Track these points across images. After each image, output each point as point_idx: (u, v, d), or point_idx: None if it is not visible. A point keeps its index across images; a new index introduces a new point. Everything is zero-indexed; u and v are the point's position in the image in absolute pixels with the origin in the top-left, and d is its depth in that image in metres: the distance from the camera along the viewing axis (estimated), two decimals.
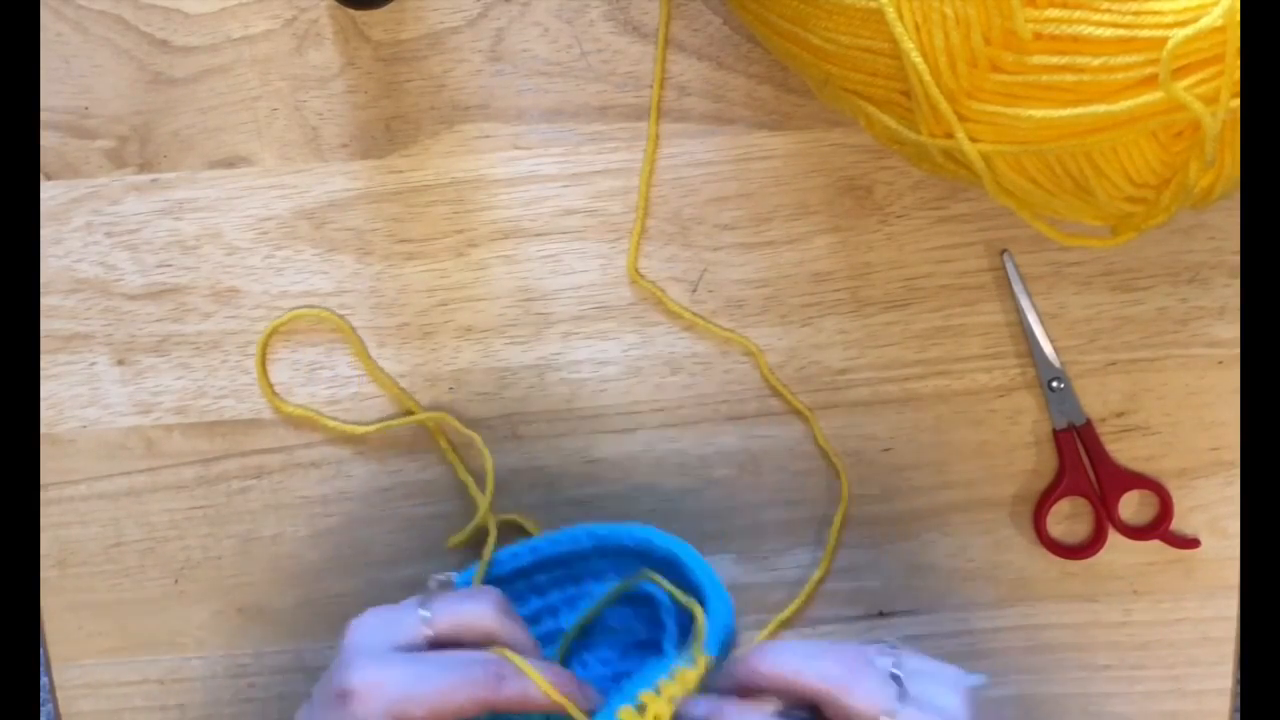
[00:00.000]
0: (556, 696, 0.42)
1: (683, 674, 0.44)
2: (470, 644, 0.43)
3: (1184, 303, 0.57)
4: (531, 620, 0.54)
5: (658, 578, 0.49)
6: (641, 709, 0.42)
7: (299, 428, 0.57)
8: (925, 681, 0.43)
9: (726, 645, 0.47)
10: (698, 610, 0.47)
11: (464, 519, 0.58)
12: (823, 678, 0.41)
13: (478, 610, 0.42)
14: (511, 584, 0.53)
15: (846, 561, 0.60)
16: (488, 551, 0.50)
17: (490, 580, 0.52)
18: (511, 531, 0.57)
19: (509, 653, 0.41)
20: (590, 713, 0.42)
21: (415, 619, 0.42)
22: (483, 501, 0.55)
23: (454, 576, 0.49)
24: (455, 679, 0.40)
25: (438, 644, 0.43)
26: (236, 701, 0.60)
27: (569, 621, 0.54)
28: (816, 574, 0.59)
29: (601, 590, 0.54)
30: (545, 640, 0.54)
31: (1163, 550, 0.59)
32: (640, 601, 0.53)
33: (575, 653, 0.54)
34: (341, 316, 0.56)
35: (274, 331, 0.56)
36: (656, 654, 0.49)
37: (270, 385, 0.57)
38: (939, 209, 0.56)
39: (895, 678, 0.42)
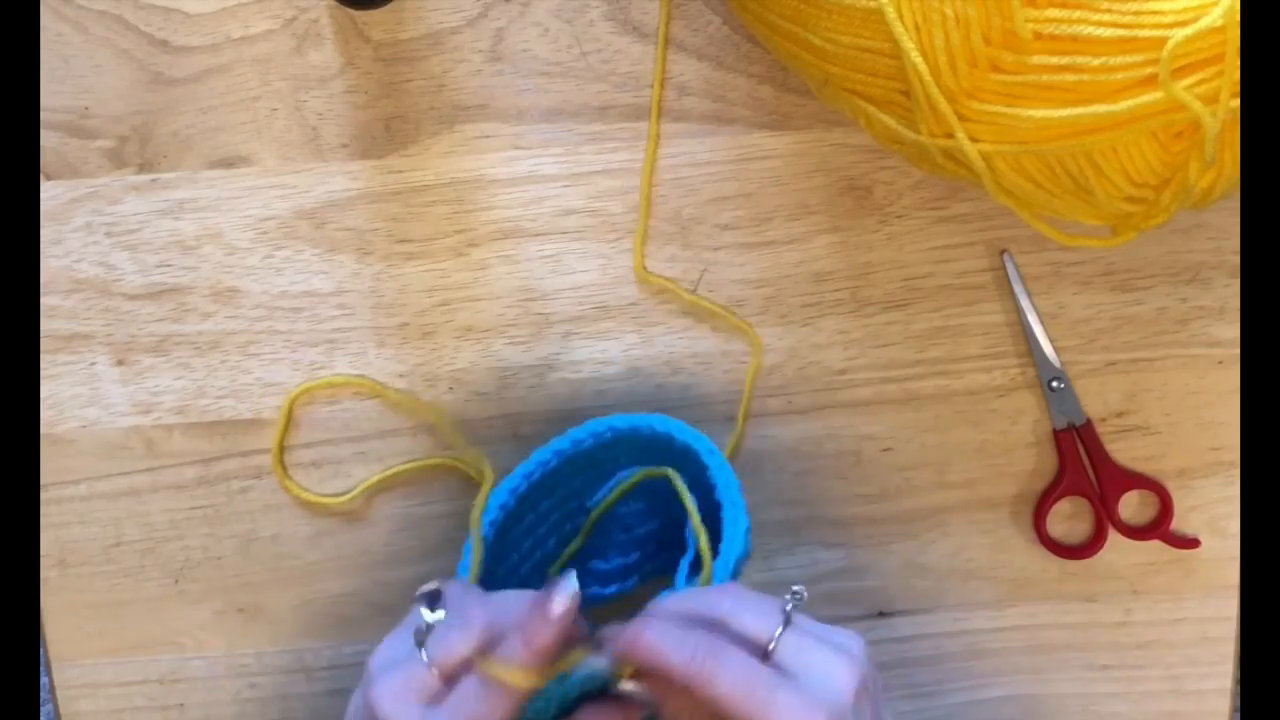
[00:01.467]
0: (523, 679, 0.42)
1: None
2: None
3: (1184, 303, 0.57)
4: (559, 504, 0.55)
5: (682, 490, 0.50)
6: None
7: (299, 427, 0.57)
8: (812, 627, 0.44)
9: (740, 564, 0.48)
10: (706, 552, 0.47)
11: (464, 519, 0.58)
12: (688, 658, 0.41)
13: (466, 643, 0.43)
14: (541, 484, 0.54)
15: (846, 561, 0.60)
16: (475, 565, 0.50)
17: (525, 484, 0.53)
18: None
19: (496, 670, 0.42)
20: (568, 672, 0.43)
21: (424, 673, 0.43)
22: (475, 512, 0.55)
23: (439, 586, 0.48)
24: (480, 709, 0.42)
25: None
26: (236, 701, 0.60)
27: (591, 501, 0.56)
28: (732, 436, 0.58)
29: (624, 476, 0.55)
30: (566, 523, 0.56)
31: (1163, 550, 0.59)
32: (657, 494, 0.54)
33: (593, 540, 0.56)
34: (378, 382, 0.57)
35: (301, 394, 0.57)
36: (666, 549, 0.53)
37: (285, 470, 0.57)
38: (939, 209, 0.56)
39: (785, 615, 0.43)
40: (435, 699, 0.42)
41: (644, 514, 0.57)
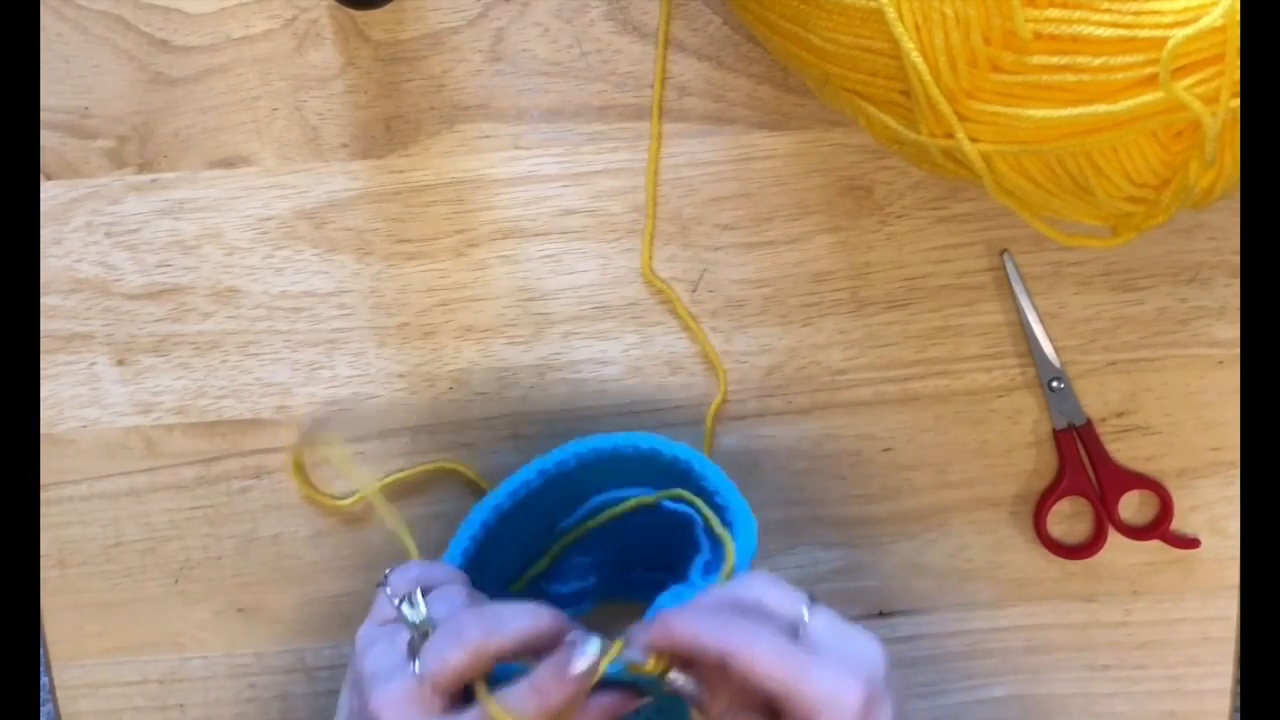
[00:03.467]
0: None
1: None
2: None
3: (1184, 303, 0.57)
4: (530, 524, 0.54)
5: (697, 502, 0.50)
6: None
7: (299, 427, 0.57)
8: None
9: (751, 564, 0.48)
10: (729, 543, 0.48)
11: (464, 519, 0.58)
12: (724, 638, 0.42)
13: (460, 659, 0.43)
14: (524, 502, 0.53)
15: (846, 561, 0.60)
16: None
17: (506, 505, 0.53)
18: None
19: (500, 714, 0.42)
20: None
21: (415, 685, 0.42)
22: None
23: (408, 573, 0.48)
24: None
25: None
26: (236, 701, 0.60)
27: (564, 523, 0.55)
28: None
29: (600, 500, 0.55)
30: (535, 543, 0.55)
31: (1163, 550, 0.59)
32: (642, 510, 0.54)
33: (567, 556, 0.56)
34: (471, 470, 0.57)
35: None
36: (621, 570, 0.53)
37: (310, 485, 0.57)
38: (939, 209, 0.56)
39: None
40: (435, 711, 0.42)
41: (603, 536, 0.56)
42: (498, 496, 0.53)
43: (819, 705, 0.40)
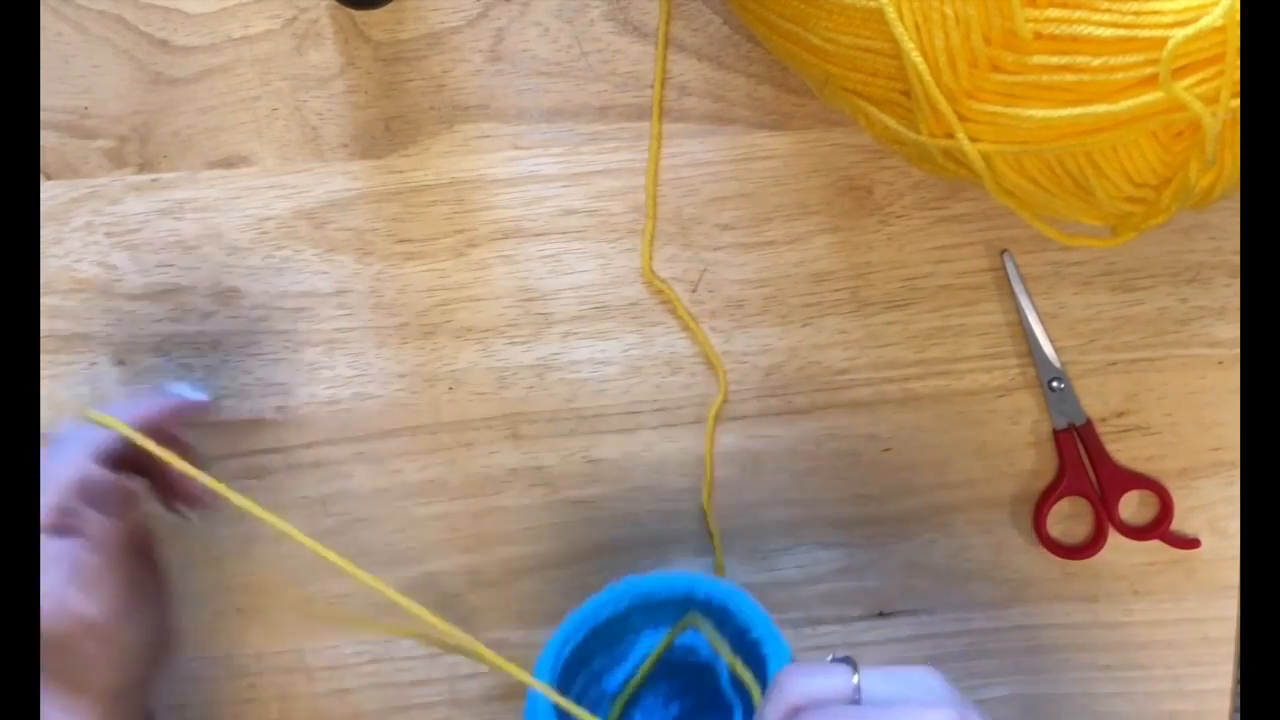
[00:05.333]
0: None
1: None
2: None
3: (1184, 303, 0.57)
4: (582, 690, 0.54)
5: (722, 647, 0.50)
6: None
7: (299, 427, 0.57)
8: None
9: None
10: (755, 692, 0.47)
11: (464, 519, 0.58)
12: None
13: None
14: (568, 665, 0.52)
15: (846, 561, 0.60)
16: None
17: (553, 660, 0.51)
18: None
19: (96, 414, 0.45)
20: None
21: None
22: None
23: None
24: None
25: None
26: (236, 701, 0.60)
27: (613, 684, 0.54)
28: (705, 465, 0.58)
29: (642, 647, 0.54)
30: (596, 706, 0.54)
31: (1163, 550, 0.59)
32: (676, 650, 0.53)
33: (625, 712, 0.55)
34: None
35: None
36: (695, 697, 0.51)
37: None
38: (939, 209, 0.56)
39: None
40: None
41: (673, 691, 0.55)
42: (549, 655, 0.51)
43: None
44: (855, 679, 0.42)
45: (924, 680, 0.42)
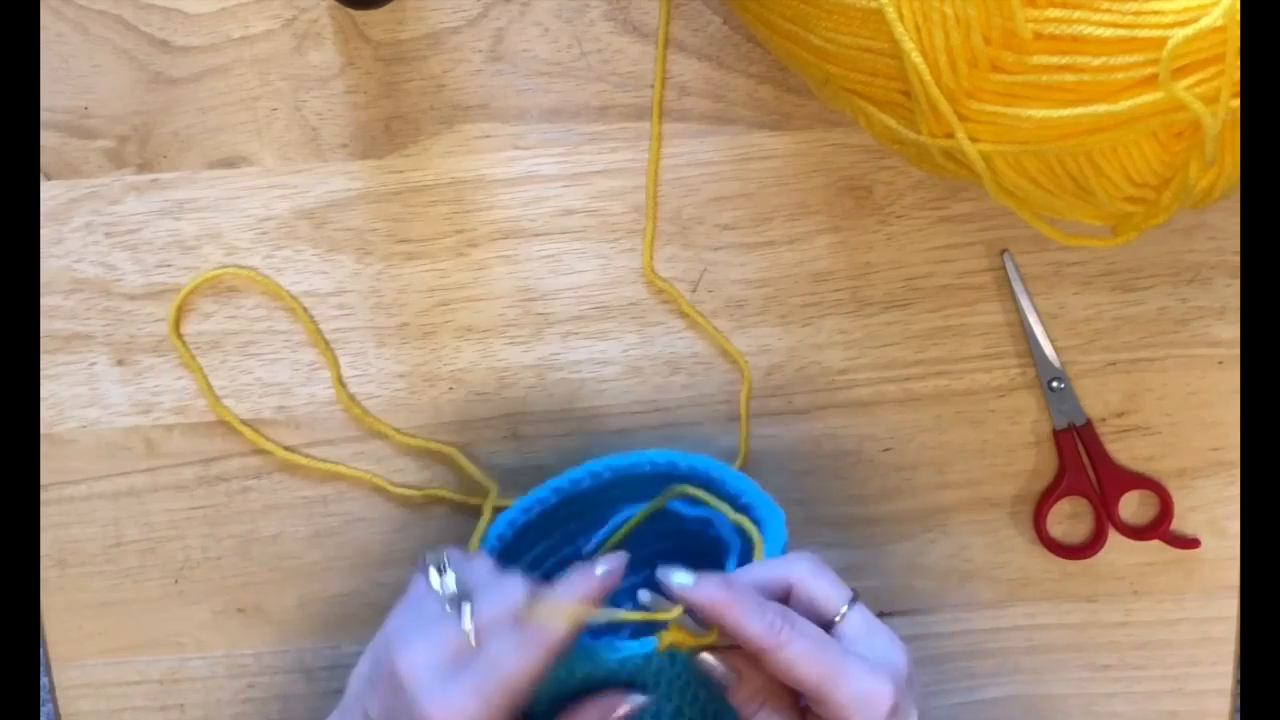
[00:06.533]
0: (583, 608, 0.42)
1: None
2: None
3: (1184, 303, 0.57)
4: (553, 549, 0.54)
5: (707, 497, 0.50)
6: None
7: (299, 427, 0.57)
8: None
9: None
10: (756, 537, 0.47)
11: (464, 519, 0.58)
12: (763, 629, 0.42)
13: (505, 603, 0.42)
14: (536, 525, 0.53)
15: (846, 561, 0.60)
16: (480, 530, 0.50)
17: (522, 517, 0.53)
18: None
19: (542, 610, 0.42)
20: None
21: (454, 636, 0.42)
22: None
23: (448, 555, 0.48)
24: (514, 663, 0.41)
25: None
26: (236, 701, 0.60)
27: (589, 547, 0.55)
28: (738, 461, 0.58)
29: (620, 520, 0.54)
30: (560, 571, 0.53)
31: (1163, 550, 0.59)
32: (661, 520, 0.53)
33: None
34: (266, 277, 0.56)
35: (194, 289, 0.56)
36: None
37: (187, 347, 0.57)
38: (939, 209, 0.56)
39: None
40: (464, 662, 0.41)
41: (633, 559, 0.55)
42: (512, 512, 0.53)
43: (851, 706, 0.41)
44: (844, 609, 0.43)
45: (894, 651, 0.43)
